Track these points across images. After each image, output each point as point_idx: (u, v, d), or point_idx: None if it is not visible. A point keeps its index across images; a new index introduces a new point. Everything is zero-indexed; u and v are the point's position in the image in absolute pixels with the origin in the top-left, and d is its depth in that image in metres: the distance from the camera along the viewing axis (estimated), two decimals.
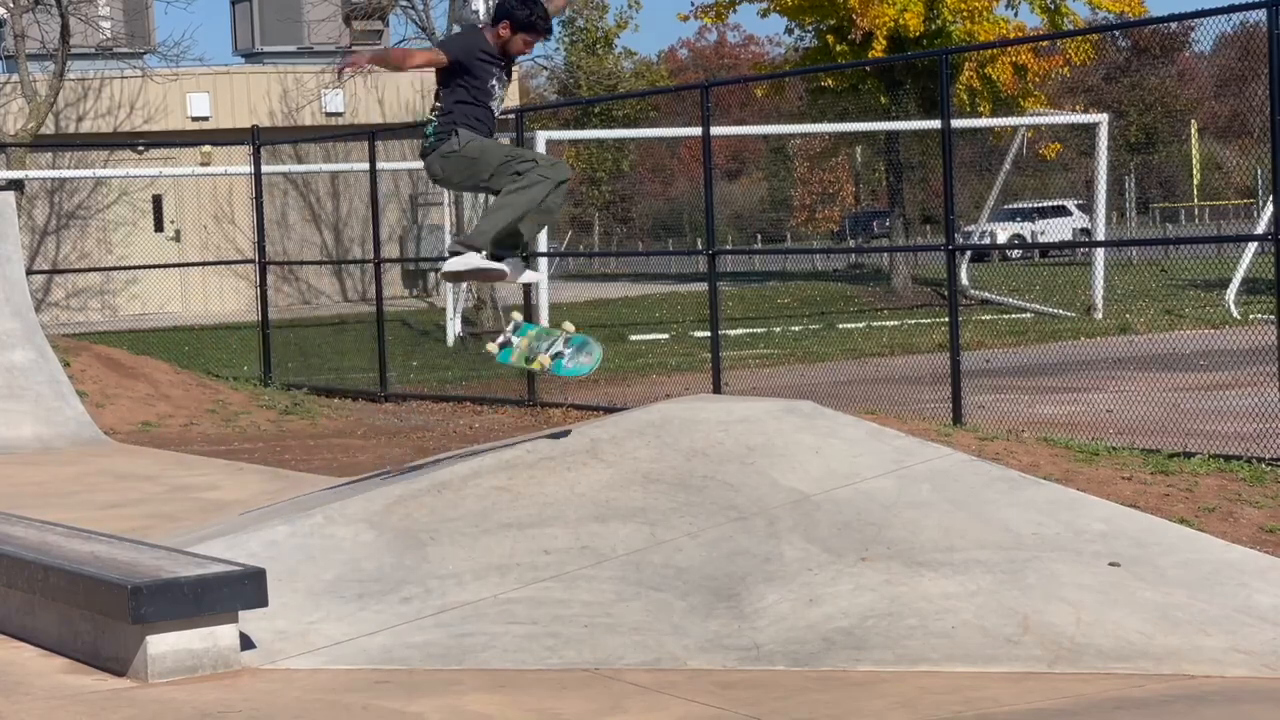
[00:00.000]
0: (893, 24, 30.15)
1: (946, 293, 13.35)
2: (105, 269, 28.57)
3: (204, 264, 27.05)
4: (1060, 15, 31.61)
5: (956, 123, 17.31)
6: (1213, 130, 48.00)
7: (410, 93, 33.05)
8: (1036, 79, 31.57)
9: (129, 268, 27.56)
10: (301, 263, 29.56)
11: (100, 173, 26.45)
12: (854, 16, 30.40)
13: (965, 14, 30.48)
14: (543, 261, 21.64)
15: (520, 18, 8.09)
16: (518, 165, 8.16)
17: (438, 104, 8.25)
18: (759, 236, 59.54)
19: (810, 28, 32.92)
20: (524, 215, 8.19)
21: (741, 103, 57.79)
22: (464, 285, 25.03)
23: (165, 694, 6.15)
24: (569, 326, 8.50)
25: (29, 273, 28.25)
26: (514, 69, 8.67)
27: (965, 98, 30.73)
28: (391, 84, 33.04)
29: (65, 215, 30.73)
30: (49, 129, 28.65)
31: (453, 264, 8.31)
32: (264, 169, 20.13)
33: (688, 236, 54.72)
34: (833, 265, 39.87)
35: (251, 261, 20.46)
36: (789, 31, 35.60)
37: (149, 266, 26.77)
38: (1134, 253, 32.27)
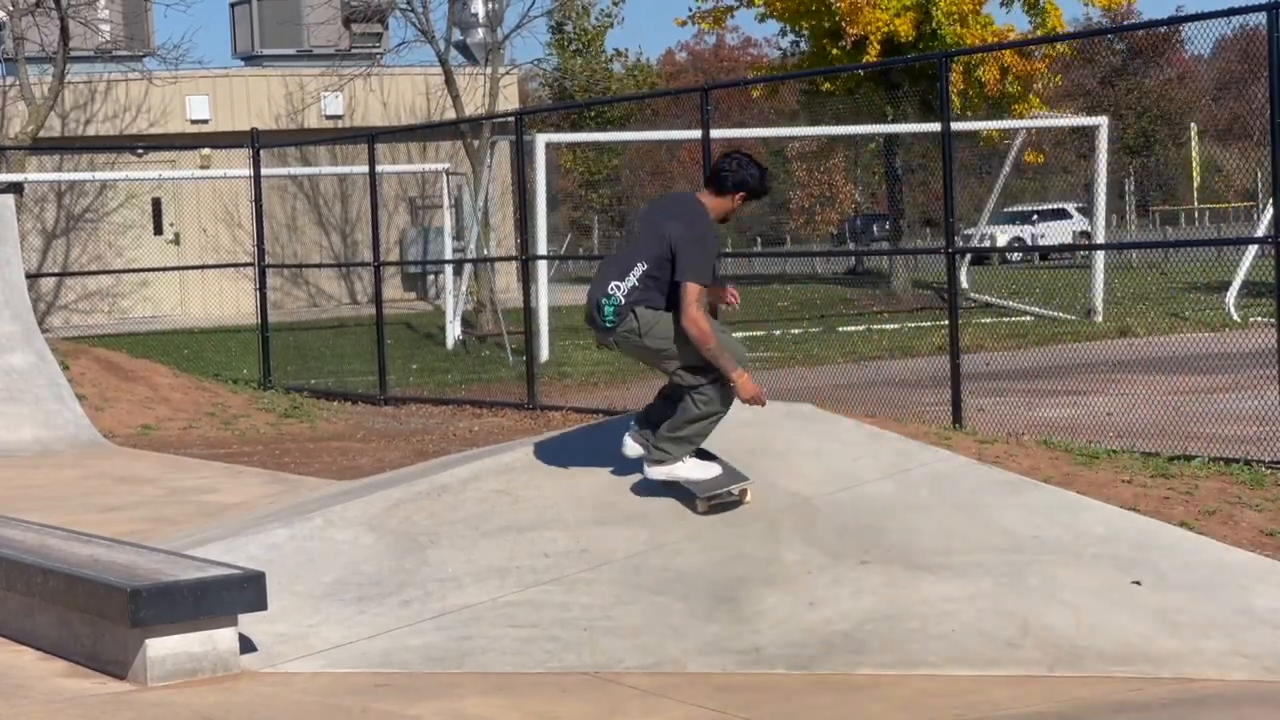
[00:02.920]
0: (886, 29, 30.15)
1: (946, 296, 13.34)
2: (103, 272, 28.52)
3: (204, 267, 27.01)
4: (1044, 15, 31.57)
5: (955, 125, 17.27)
6: (1212, 133, 47.99)
7: (412, 94, 33.01)
8: (1018, 81, 31.49)
9: (128, 270, 27.49)
10: (301, 265, 29.52)
11: (99, 175, 26.42)
12: (842, 23, 30.41)
13: (957, 17, 30.47)
14: (542, 265, 21.63)
15: (757, 190, 7.52)
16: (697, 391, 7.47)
17: (636, 283, 7.40)
18: (758, 239, 59.53)
19: (806, 32, 32.92)
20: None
21: (741, 105, 57.75)
22: (463, 288, 25.03)
23: (165, 697, 6.14)
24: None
25: (40, 275, 28.38)
26: None
27: (957, 100, 30.71)
28: (394, 86, 33.01)
29: (74, 218, 30.71)
30: (55, 132, 28.64)
31: (656, 473, 7.67)
32: (264, 172, 20.11)
33: None
34: (832, 268, 39.86)
35: (251, 265, 20.43)
36: (782, 34, 35.64)
37: (152, 269, 26.67)
38: (1134, 255, 32.21)
